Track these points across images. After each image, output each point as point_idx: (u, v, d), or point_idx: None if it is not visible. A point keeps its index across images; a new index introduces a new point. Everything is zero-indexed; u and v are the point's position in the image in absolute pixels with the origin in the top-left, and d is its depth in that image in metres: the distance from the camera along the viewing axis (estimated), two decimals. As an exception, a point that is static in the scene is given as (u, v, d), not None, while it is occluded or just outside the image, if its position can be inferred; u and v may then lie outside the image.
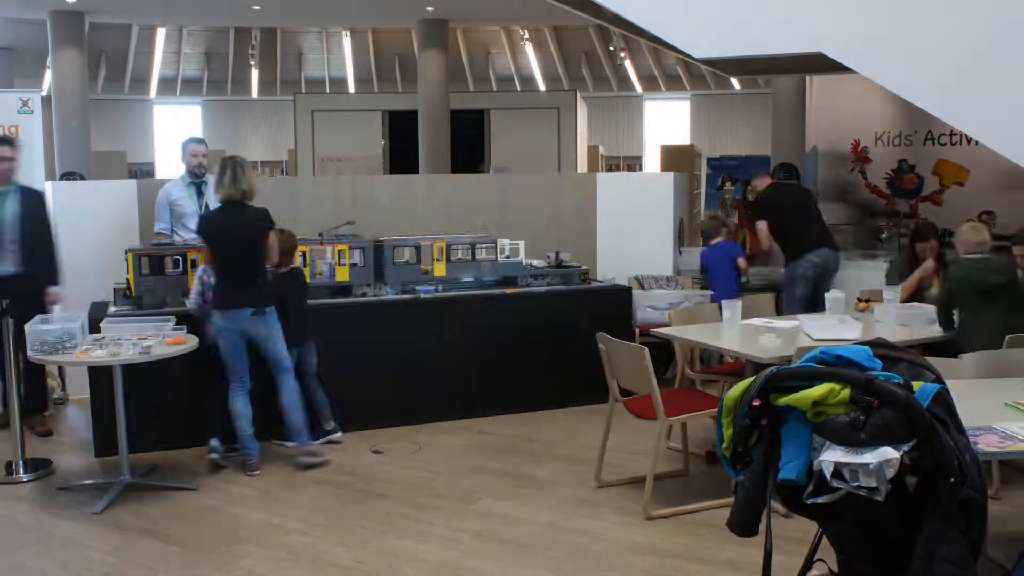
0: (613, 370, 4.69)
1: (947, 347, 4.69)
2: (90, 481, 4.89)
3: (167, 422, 5.35)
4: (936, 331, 4.89)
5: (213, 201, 5.56)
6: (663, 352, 6.29)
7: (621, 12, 4.74)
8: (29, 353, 4.58)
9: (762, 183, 7.15)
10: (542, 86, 19.58)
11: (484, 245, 6.17)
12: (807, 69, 9.01)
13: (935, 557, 2.10)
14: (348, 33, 18.71)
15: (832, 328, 4.83)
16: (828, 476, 2.11)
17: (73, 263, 6.47)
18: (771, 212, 6.81)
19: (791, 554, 3.86)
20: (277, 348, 4.99)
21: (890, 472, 2.06)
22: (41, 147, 6.73)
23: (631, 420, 4.74)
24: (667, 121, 20.93)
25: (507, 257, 6.37)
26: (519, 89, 19.55)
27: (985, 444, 2.83)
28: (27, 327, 4.60)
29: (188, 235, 5.93)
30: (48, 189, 6.68)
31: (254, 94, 20.01)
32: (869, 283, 7.16)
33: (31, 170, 6.58)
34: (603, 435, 4.81)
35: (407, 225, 6.91)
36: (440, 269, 6.08)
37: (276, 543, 4.11)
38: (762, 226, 6.79)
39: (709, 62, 7.65)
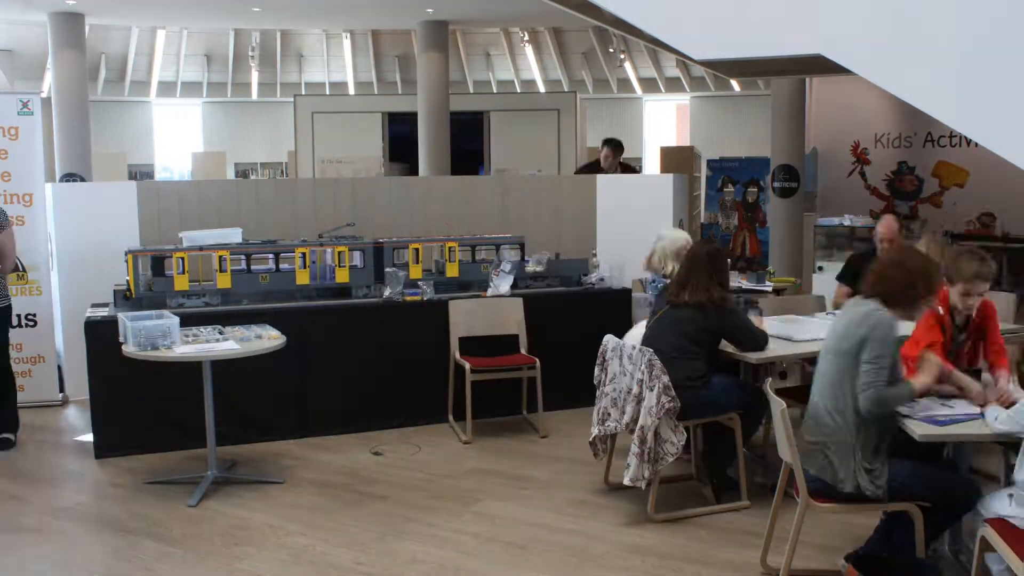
0: None
1: None
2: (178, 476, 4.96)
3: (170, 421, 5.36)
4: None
5: None
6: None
7: (620, 14, 4.73)
8: (131, 349, 4.56)
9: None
10: (542, 88, 19.59)
11: (484, 247, 6.19)
12: (806, 71, 9.00)
13: None
14: (348, 35, 18.71)
15: None
16: None
17: (73, 264, 6.50)
18: None
19: (798, 557, 3.86)
20: None
21: None
22: (41, 151, 6.68)
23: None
24: (666, 123, 20.93)
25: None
26: (519, 91, 19.57)
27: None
28: (129, 323, 4.62)
29: None
30: (48, 191, 6.69)
31: (254, 96, 19.99)
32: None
33: (32, 172, 6.60)
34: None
35: (407, 227, 6.92)
36: (452, 270, 6.10)
37: (276, 544, 4.11)
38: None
39: (708, 64, 7.65)
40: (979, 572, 3.16)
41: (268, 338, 4.85)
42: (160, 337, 4.60)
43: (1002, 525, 3.09)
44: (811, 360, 5.40)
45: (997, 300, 5.76)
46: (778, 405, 3.47)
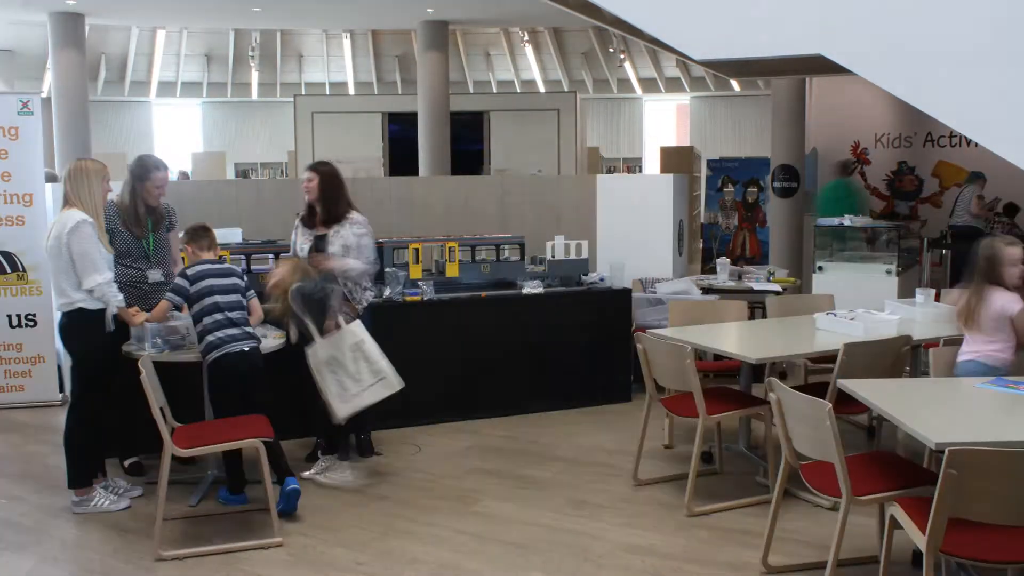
0: (651, 369, 4.73)
1: None
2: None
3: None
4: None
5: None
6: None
7: (620, 14, 4.74)
8: (149, 351, 4.53)
9: None
10: (542, 88, 19.60)
11: (484, 247, 6.19)
12: (807, 71, 9.01)
13: None
14: (348, 35, 18.73)
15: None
16: None
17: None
18: None
19: (790, 555, 3.88)
20: None
21: None
22: (41, 151, 6.71)
23: (634, 420, 4.75)
24: (666, 123, 20.95)
25: (506, 259, 6.38)
26: (519, 91, 19.57)
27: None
28: (147, 324, 4.61)
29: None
30: (48, 191, 6.69)
31: (254, 96, 20.02)
32: (872, 286, 7.14)
33: (31, 172, 6.61)
34: (641, 432, 4.86)
35: (407, 227, 6.92)
36: (452, 270, 6.10)
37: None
38: None
39: (709, 64, 7.66)
40: (888, 551, 3.23)
41: (273, 337, 4.84)
42: (186, 338, 4.60)
43: (908, 503, 3.15)
44: (814, 359, 5.43)
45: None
46: (824, 406, 3.33)
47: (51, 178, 11.48)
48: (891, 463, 3.68)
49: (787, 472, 3.68)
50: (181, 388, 5.11)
